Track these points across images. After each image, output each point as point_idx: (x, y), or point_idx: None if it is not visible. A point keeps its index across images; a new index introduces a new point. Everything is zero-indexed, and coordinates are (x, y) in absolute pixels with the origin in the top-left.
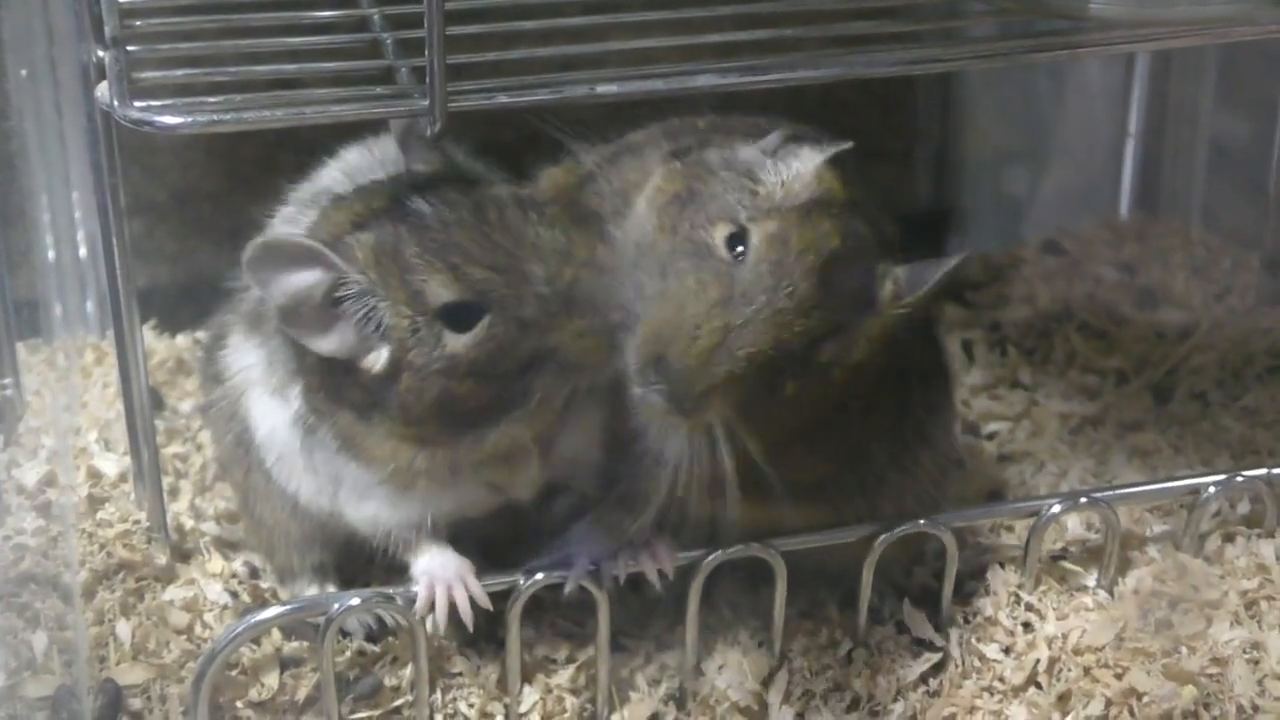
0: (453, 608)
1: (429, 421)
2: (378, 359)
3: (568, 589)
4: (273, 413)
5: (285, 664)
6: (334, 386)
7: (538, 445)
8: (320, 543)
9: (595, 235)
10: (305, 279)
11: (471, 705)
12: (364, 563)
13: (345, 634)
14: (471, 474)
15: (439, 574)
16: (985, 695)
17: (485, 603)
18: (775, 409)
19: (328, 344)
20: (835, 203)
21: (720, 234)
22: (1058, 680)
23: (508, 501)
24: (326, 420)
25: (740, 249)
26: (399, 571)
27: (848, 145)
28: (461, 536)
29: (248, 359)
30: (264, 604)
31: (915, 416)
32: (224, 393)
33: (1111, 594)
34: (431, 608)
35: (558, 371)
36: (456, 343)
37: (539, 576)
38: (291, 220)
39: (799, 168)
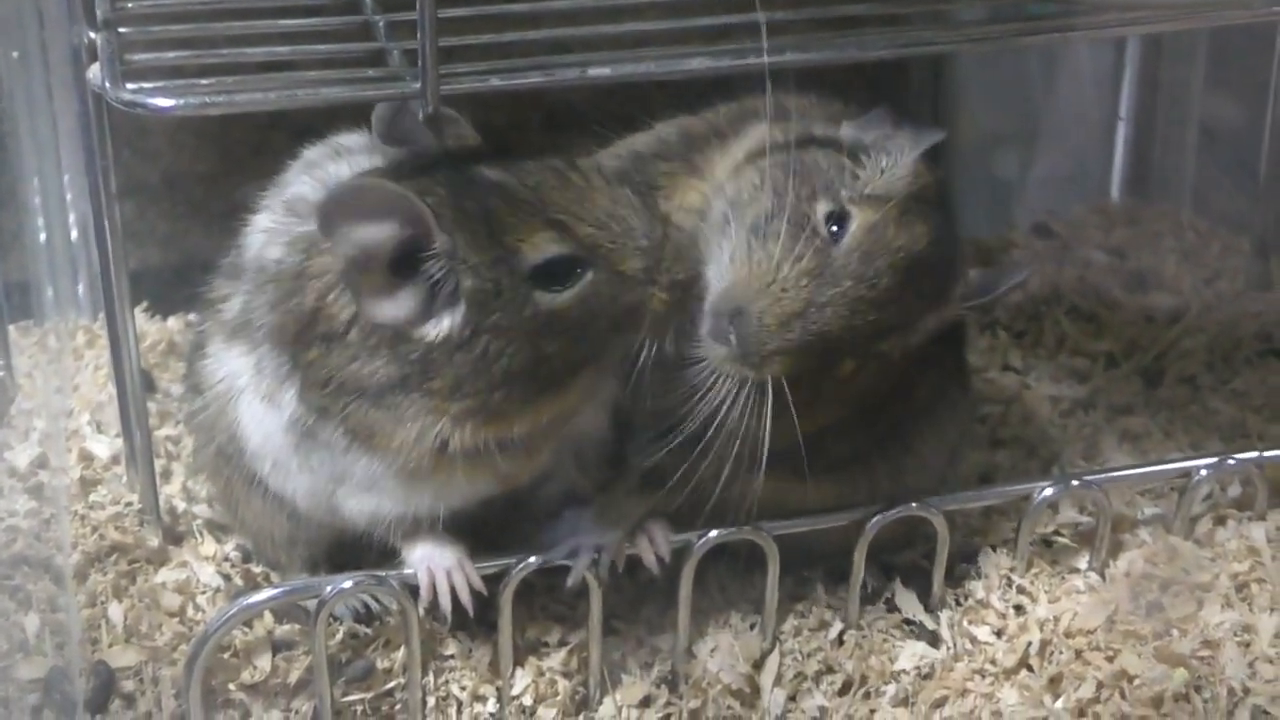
0: (452, 593)
1: (497, 389)
2: (438, 326)
3: (571, 581)
4: (265, 419)
5: (277, 647)
6: (350, 374)
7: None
8: (306, 541)
9: (654, 198)
10: (383, 231)
11: (464, 688)
12: (353, 550)
13: (334, 618)
14: (491, 458)
15: (436, 561)
16: (977, 678)
17: (481, 587)
18: (828, 387)
19: (387, 310)
20: (929, 200)
21: (821, 210)
22: (1049, 663)
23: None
24: (333, 415)
25: (837, 229)
26: (390, 556)
27: (941, 135)
28: (451, 521)
29: (232, 367)
30: (256, 587)
31: (941, 397)
32: (205, 402)
33: (1103, 577)
34: (432, 594)
35: (637, 327)
36: (551, 300)
37: (531, 560)
38: (266, 229)
39: (899, 157)
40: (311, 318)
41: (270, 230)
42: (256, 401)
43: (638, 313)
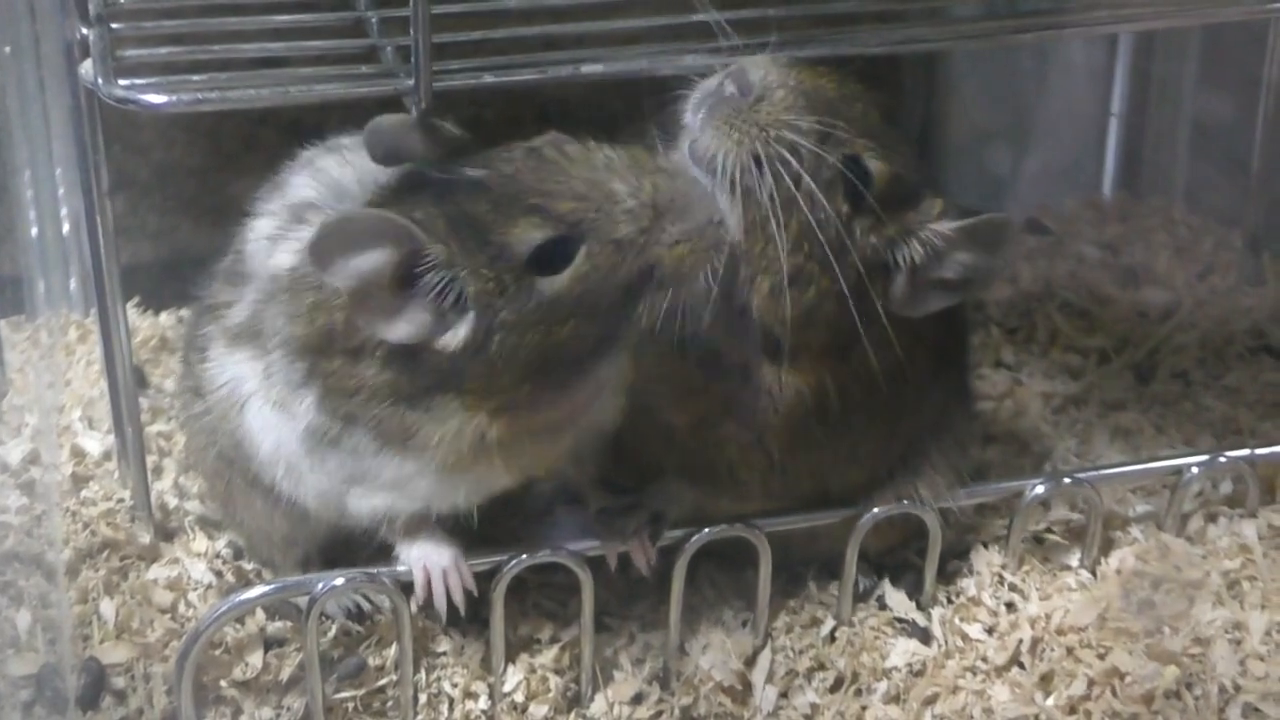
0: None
1: (524, 381)
2: (455, 336)
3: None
4: (278, 425)
5: (269, 643)
6: (382, 382)
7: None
8: (303, 540)
9: (647, 150)
10: (376, 258)
11: (455, 685)
12: (345, 547)
13: (326, 616)
14: (531, 445)
15: (433, 559)
16: (968, 675)
17: (474, 587)
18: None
19: (400, 329)
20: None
21: None
22: (1040, 660)
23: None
24: (362, 421)
25: None
26: (383, 553)
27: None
28: (447, 518)
29: (236, 372)
30: (248, 583)
31: (942, 396)
32: (208, 405)
33: (1094, 574)
34: (427, 592)
35: (658, 289)
36: (553, 285)
37: (524, 557)
38: (271, 235)
39: None
40: (335, 332)
41: (276, 237)
42: (267, 408)
43: (648, 276)
